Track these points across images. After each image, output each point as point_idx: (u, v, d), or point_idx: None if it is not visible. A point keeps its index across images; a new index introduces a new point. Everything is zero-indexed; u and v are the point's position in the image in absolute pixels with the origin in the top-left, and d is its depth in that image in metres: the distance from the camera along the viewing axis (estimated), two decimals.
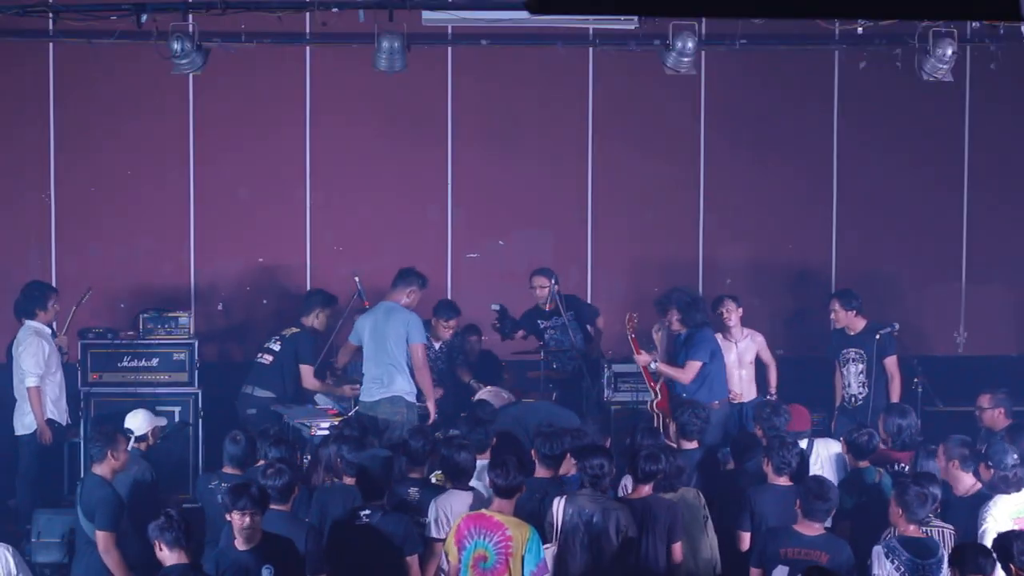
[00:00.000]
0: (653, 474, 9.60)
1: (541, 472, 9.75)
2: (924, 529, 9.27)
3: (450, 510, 9.47)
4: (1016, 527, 9.28)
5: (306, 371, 12.59)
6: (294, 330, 12.79)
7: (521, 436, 11.41)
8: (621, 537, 9.23)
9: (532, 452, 9.81)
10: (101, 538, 9.52)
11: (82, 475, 12.21)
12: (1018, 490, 9.69)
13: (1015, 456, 9.89)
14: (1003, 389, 11.85)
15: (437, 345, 13.12)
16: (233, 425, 12.08)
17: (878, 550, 8.99)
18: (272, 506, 9.07)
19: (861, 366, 12.82)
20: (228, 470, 10.16)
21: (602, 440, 10.62)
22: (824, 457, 10.83)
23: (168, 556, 8.37)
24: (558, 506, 9.31)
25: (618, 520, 9.25)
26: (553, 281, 13.24)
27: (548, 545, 9.27)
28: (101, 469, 9.93)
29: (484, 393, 12.49)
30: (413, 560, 9.20)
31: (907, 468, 10.54)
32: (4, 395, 12.34)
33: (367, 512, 9.19)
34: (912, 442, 10.89)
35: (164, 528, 8.37)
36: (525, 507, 9.34)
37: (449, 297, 13.93)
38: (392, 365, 11.98)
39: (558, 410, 12.01)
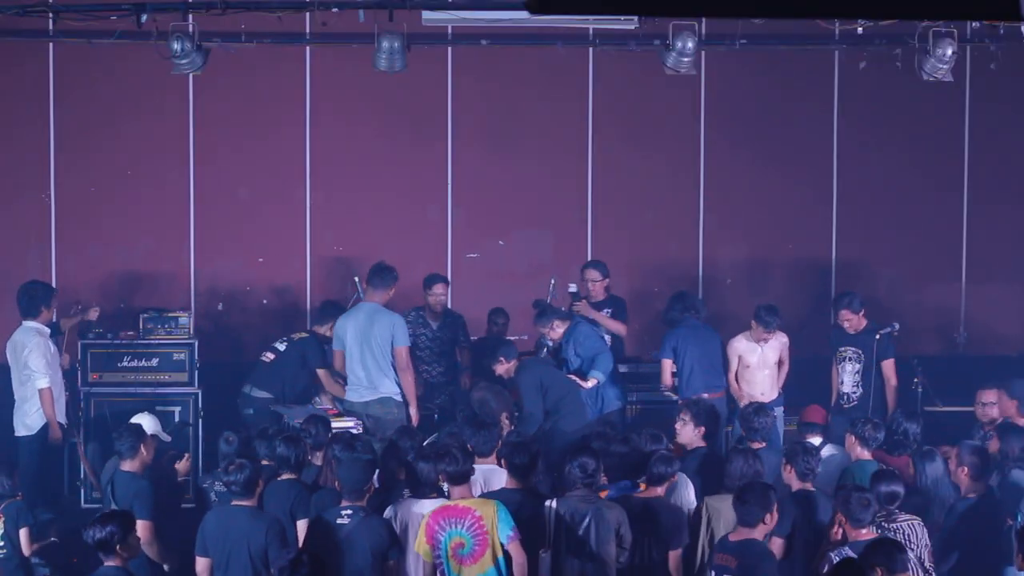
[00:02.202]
0: (664, 476, 9.63)
1: (511, 483, 9.49)
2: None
3: (399, 519, 9.37)
4: None
5: (323, 375, 12.51)
6: (303, 335, 12.76)
7: (539, 397, 11.69)
8: (617, 537, 9.24)
9: (501, 462, 9.67)
10: (144, 528, 9.58)
11: (82, 475, 12.28)
12: None
13: None
14: (1005, 383, 11.84)
15: (435, 325, 13.12)
16: (233, 425, 12.10)
17: (830, 557, 9.00)
18: (236, 501, 9.13)
19: (858, 366, 12.81)
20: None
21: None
22: (834, 463, 10.80)
23: (106, 559, 8.35)
24: (550, 508, 9.30)
25: (611, 520, 9.24)
26: (552, 283, 13.23)
27: (543, 550, 9.27)
28: (131, 465, 10.09)
29: (482, 391, 12.44)
30: (395, 565, 9.18)
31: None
32: (4, 395, 12.33)
33: (349, 512, 9.20)
34: (906, 445, 10.89)
35: (98, 533, 8.34)
36: None
37: (449, 296, 13.92)
38: (379, 368, 12.00)
39: (571, 384, 12.09)
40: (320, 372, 12.54)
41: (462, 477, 9.18)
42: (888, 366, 12.74)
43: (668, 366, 12.56)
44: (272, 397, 12.50)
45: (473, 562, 9.01)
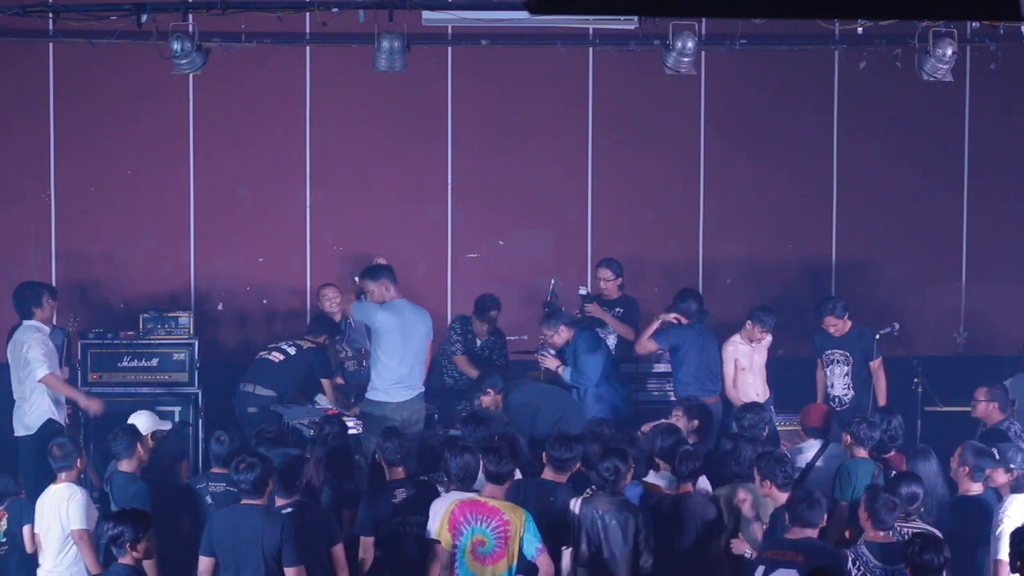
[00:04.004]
0: (696, 472, 9.74)
1: (549, 475, 9.73)
2: (907, 527, 9.29)
3: None
4: None
5: (327, 385, 12.59)
6: (310, 344, 12.74)
7: (528, 419, 11.41)
8: (634, 540, 9.27)
9: (543, 455, 9.81)
10: None
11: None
12: None
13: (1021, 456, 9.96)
14: (1001, 384, 11.88)
15: (480, 342, 13.12)
16: (233, 425, 12.10)
17: (844, 554, 9.00)
18: (246, 500, 9.11)
19: (846, 368, 12.82)
20: (216, 469, 10.24)
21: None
22: (835, 463, 10.80)
23: (119, 556, 8.39)
24: (575, 507, 9.37)
25: (631, 524, 9.28)
26: (552, 283, 13.20)
27: (565, 547, 9.34)
28: (128, 465, 10.12)
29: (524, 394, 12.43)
30: (338, 549, 9.28)
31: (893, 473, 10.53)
32: (4, 395, 12.33)
33: (289, 511, 9.26)
34: (891, 442, 10.90)
35: (111, 529, 8.40)
36: (535, 509, 9.35)
37: (449, 296, 13.96)
38: (420, 364, 11.71)
39: (568, 399, 12.01)
40: (324, 382, 12.58)
41: (502, 477, 9.24)
42: (875, 365, 12.74)
43: (653, 348, 12.65)
44: (276, 396, 12.52)
45: (491, 563, 9.08)
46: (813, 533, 9.08)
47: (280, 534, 8.94)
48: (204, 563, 9.10)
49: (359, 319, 12.16)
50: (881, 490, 9.29)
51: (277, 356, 12.66)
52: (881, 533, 9.05)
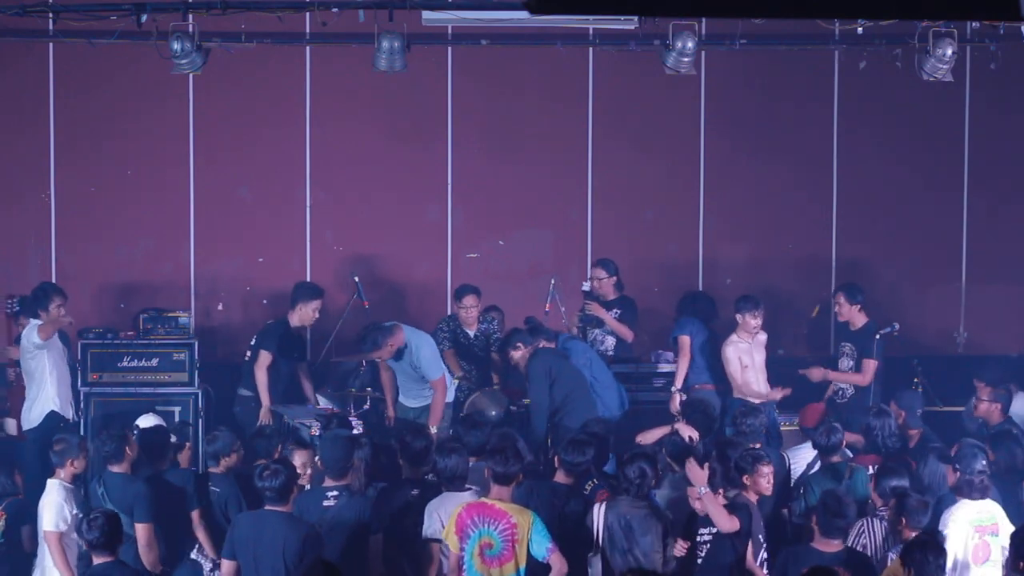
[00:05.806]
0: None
1: (561, 478, 9.73)
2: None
3: (445, 514, 9.42)
4: (977, 534, 9.32)
5: (263, 357, 12.46)
6: (269, 322, 12.77)
7: (544, 387, 11.71)
8: (663, 544, 9.25)
9: (555, 459, 9.82)
10: (143, 530, 9.63)
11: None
12: (983, 497, 9.63)
13: (983, 462, 9.88)
14: (1005, 386, 11.87)
15: (472, 333, 13.08)
16: (233, 425, 12.11)
17: (888, 556, 9.01)
18: (269, 507, 9.09)
19: (851, 362, 12.83)
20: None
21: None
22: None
23: (94, 556, 8.47)
24: (599, 512, 9.32)
25: (658, 528, 9.25)
26: (552, 283, 13.22)
27: (592, 553, 9.34)
28: (121, 466, 10.09)
29: (479, 397, 12.46)
30: (376, 539, 9.32)
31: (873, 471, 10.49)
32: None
33: (334, 494, 9.22)
34: (885, 444, 10.87)
35: (88, 529, 8.48)
36: (546, 512, 9.36)
37: (449, 296, 13.95)
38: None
39: (581, 380, 12.07)
40: (261, 353, 12.49)
41: (508, 479, 9.19)
42: (867, 365, 12.68)
43: (687, 343, 12.73)
44: (253, 395, 12.49)
45: (498, 565, 9.08)
46: (841, 545, 9.02)
47: (302, 544, 8.91)
48: (227, 567, 9.12)
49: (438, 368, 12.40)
50: (911, 491, 9.30)
51: (247, 354, 12.70)
52: (913, 533, 9.02)
